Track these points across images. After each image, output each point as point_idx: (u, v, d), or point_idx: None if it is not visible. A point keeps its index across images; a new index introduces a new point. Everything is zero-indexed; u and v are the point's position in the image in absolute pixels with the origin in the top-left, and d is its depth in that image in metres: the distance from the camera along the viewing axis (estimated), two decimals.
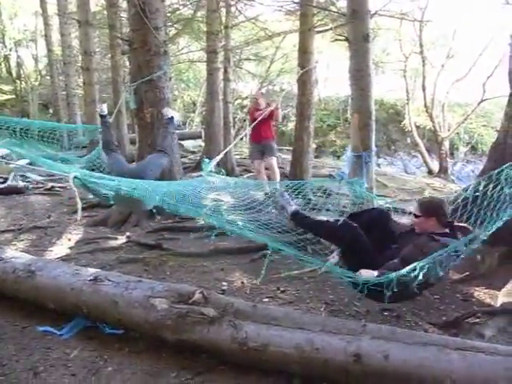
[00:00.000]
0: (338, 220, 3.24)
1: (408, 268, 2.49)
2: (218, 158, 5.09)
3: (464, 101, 18.14)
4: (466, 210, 3.19)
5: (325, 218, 3.43)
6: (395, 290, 2.44)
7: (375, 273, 2.68)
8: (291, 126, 18.50)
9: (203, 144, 11.85)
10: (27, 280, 3.31)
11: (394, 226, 3.41)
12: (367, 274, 2.66)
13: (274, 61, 15.83)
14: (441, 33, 16.55)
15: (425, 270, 2.43)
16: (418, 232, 3.06)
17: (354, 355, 2.31)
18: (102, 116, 5.04)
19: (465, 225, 3.09)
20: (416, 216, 3.04)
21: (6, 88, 20.48)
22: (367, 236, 3.10)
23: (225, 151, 5.46)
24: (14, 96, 20.09)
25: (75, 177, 3.12)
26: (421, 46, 14.91)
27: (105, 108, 5.07)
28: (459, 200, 3.41)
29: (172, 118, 5.10)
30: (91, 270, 3.36)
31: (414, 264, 2.48)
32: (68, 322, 3.13)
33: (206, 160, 4.81)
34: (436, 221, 2.96)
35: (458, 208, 3.34)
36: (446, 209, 3.02)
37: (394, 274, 2.49)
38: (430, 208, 3.01)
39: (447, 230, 2.98)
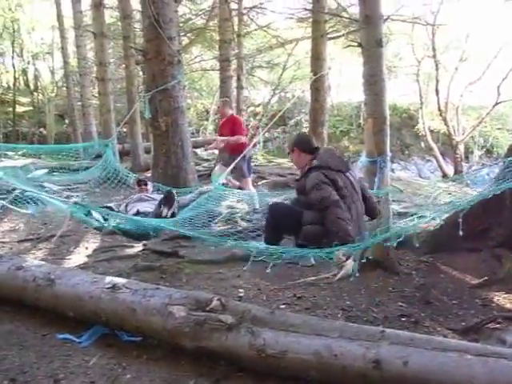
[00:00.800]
0: None
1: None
2: (229, 170, 5.09)
3: (478, 104, 17.99)
4: None
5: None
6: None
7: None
8: (304, 132, 18.52)
9: (217, 152, 11.92)
10: (47, 288, 3.35)
11: None
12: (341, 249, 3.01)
13: (287, 68, 15.88)
14: (454, 36, 16.47)
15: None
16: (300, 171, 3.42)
17: (373, 361, 2.29)
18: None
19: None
20: (289, 154, 3.51)
21: (24, 100, 20.88)
22: None
23: (234, 163, 5.40)
24: (31, 108, 20.48)
25: (75, 202, 3.16)
26: (433, 49, 14.85)
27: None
28: None
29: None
30: (109, 278, 3.39)
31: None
32: (87, 329, 3.16)
33: (217, 173, 4.83)
34: (299, 151, 3.36)
35: None
36: (302, 138, 3.47)
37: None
38: (290, 144, 3.48)
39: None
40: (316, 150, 3.33)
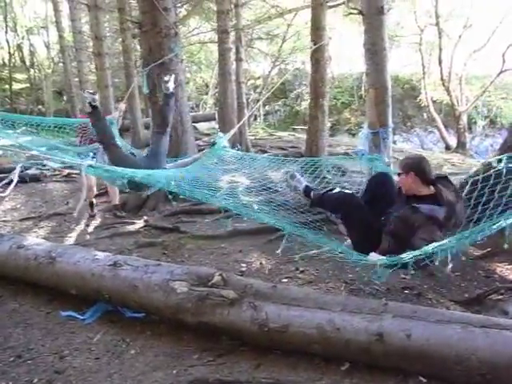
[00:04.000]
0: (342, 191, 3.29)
1: (424, 249, 2.48)
2: (232, 132, 5.00)
3: (482, 73, 17.65)
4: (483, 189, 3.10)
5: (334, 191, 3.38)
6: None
7: (382, 258, 2.71)
8: (305, 104, 18.29)
9: (217, 126, 11.80)
10: (48, 266, 3.35)
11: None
12: (375, 258, 2.71)
13: (286, 39, 15.55)
14: (457, 2, 16.03)
15: (442, 252, 2.41)
16: (403, 192, 3.06)
17: (376, 334, 2.29)
18: (93, 107, 4.20)
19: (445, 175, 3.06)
20: (399, 174, 3.07)
21: (20, 77, 20.59)
22: (372, 202, 3.18)
23: (238, 125, 5.32)
24: (28, 85, 20.19)
25: (89, 165, 3.12)
26: (437, 17, 14.48)
27: (97, 97, 4.28)
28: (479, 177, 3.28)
29: (172, 93, 4.64)
30: (110, 255, 3.39)
31: (433, 245, 2.47)
32: (90, 306, 3.17)
33: (220, 134, 4.72)
34: (415, 176, 2.95)
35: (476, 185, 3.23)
36: (424, 164, 3.00)
37: (408, 256, 2.49)
38: (408, 164, 3.03)
39: (431, 189, 2.95)
40: (433, 182, 2.95)
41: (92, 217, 5.59)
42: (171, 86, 4.58)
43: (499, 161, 2.96)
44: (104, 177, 4.11)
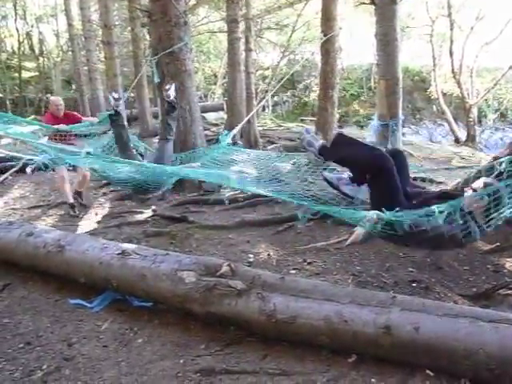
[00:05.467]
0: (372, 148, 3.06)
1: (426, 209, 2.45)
2: (235, 130, 5.00)
3: (494, 65, 17.43)
4: None
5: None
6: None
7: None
8: (313, 95, 18.18)
9: (225, 116, 11.78)
10: (57, 255, 3.37)
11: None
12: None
13: (296, 29, 15.41)
14: None
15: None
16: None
17: (384, 327, 2.29)
18: (116, 112, 4.14)
19: None
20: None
21: (30, 65, 20.62)
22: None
23: (241, 124, 5.28)
24: (37, 73, 20.22)
25: (88, 153, 3.11)
26: (449, 7, 14.27)
27: (121, 102, 4.18)
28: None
29: (174, 101, 4.52)
30: (119, 244, 3.40)
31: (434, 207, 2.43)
32: (98, 294, 3.19)
33: (225, 132, 4.72)
34: None
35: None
36: None
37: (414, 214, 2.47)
38: None
39: None
40: None
41: (71, 207, 5.35)
42: (172, 93, 4.48)
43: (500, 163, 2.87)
44: (99, 173, 4.01)
